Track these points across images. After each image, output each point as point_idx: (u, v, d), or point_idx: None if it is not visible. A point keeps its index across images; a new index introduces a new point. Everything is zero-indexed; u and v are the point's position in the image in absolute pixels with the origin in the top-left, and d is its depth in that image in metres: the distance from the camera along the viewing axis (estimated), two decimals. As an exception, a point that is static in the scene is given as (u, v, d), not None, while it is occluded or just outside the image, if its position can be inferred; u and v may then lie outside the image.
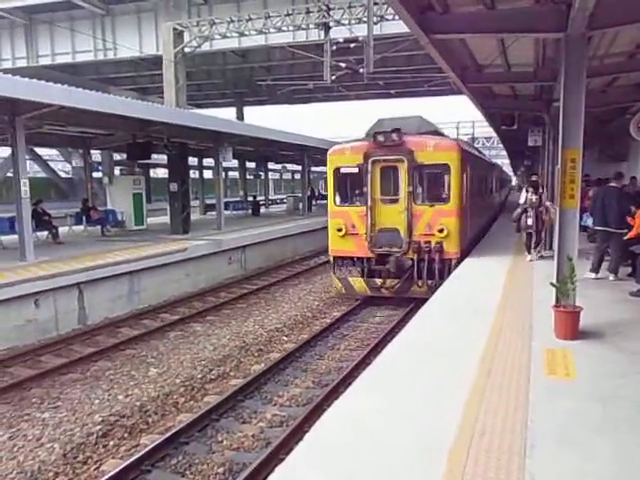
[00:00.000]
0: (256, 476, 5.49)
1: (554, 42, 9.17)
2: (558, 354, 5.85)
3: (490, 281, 10.14)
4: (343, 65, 21.63)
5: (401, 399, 4.86)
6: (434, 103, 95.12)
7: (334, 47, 21.66)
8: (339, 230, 12.50)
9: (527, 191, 12.38)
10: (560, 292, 6.43)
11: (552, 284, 6.60)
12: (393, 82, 33.05)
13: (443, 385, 5.12)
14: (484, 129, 49.62)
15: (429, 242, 11.74)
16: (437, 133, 13.30)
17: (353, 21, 22.65)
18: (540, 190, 12.34)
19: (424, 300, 8.89)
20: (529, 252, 12.30)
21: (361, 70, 20.99)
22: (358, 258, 12.68)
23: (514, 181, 64.04)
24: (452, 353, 6.06)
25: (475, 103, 14.83)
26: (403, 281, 12.04)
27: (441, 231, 11.66)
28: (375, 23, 21.48)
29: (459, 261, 11.88)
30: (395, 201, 12.16)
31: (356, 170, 12.31)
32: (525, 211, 12.23)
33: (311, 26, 23.50)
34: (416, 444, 4.00)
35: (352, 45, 21.19)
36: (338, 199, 12.92)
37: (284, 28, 24.05)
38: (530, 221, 12.08)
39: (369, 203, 12.19)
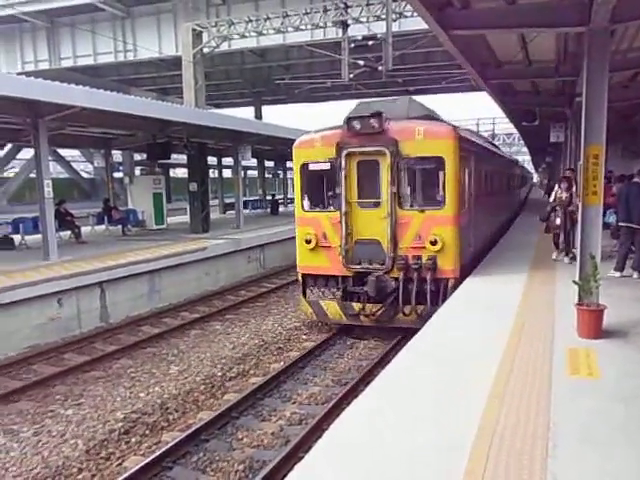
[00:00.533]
0: (275, 474, 5.51)
1: (576, 36, 9.04)
2: (581, 353, 5.76)
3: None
4: (361, 63, 21.55)
5: (419, 400, 4.83)
6: (453, 100, 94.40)
7: (352, 45, 21.58)
8: (307, 242, 10.11)
9: (559, 188, 11.13)
10: (583, 290, 6.32)
11: (575, 282, 6.50)
12: (412, 79, 32.88)
13: (463, 385, 5.07)
14: (505, 126, 49.15)
15: (419, 257, 9.39)
16: (431, 118, 10.47)
17: (371, 18, 22.58)
18: (573, 187, 10.93)
19: (415, 331, 7.00)
20: (557, 248, 11.42)
21: (379, 68, 20.91)
22: (332, 276, 10.23)
23: (535, 178, 63.24)
24: (472, 353, 6.00)
25: (495, 99, 14.69)
26: (386, 307, 9.64)
27: (434, 243, 9.28)
28: (393, 20, 21.38)
29: (458, 281, 9.47)
30: (376, 205, 9.75)
31: (327, 166, 9.92)
32: (554, 210, 11.10)
33: (329, 24, 23.49)
34: (436, 444, 3.97)
35: (370, 43, 21.09)
36: (307, 203, 10.45)
37: (302, 27, 24.06)
38: (559, 220, 10.93)
39: (343, 208, 9.75)
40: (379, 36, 21.00)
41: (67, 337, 10.89)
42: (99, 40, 28.91)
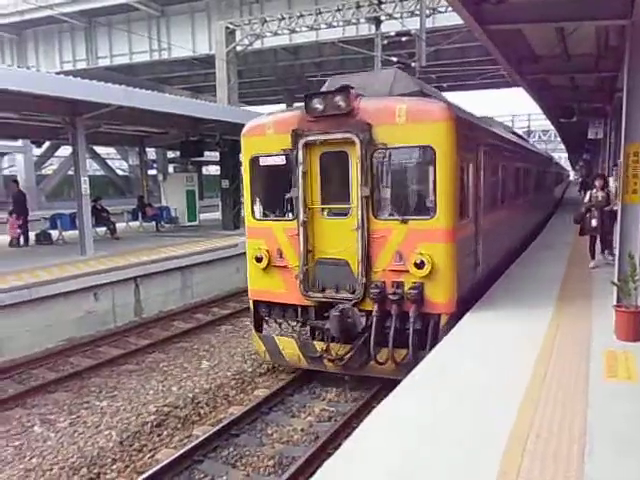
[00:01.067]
0: (305, 469, 5.52)
1: (617, 30, 8.76)
2: (619, 356, 5.59)
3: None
4: (394, 59, 21.41)
5: (451, 400, 4.76)
6: (488, 96, 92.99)
7: (385, 41, 21.47)
8: (258, 260, 7.89)
9: (594, 187, 10.16)
10: (621, 291, 6.15)
11: (613, 283, 6.32)
12: (445, 75, 32.45)
13: (496, 387, 4.99)
14: (541, 122, 48.18)
15: (399, 284, 7.07)
16: (424, 95, 7.84)
17: (405, 14, 22.37)
18: (609, 186, 10.11)
19: (396, 382, 5.29)
20: (593, 258, 10.40)
21: (413, 64, 20.72)
22: (290, 306, 7.97)
23: (572, 176, 61.86)
24: (506, 354, 5.90)
25: (532, 95, 14.40)
26: (356, 350, 7.31)
27: (420, 265, 6.90)
28: (427, 16, 21.16)
29: (455, 317, 7.08)
30: (345, 213, 7.44)
31: (283, 161, 7.65)
32: (589, 210, 9.97)
33: (362, 20, 23.38)
34: (468, 445, 3.91)
35: (403, 39, 20.96)
36: (258, 209, 8.23)
37: (334, 23, 24.01)
38: (594, 222, 9.83)
39: (301, 216, 7.47)
40: (412, 32, 20.83)
41: (102, 330, 11.13)
42: (135, 39, 29.47)
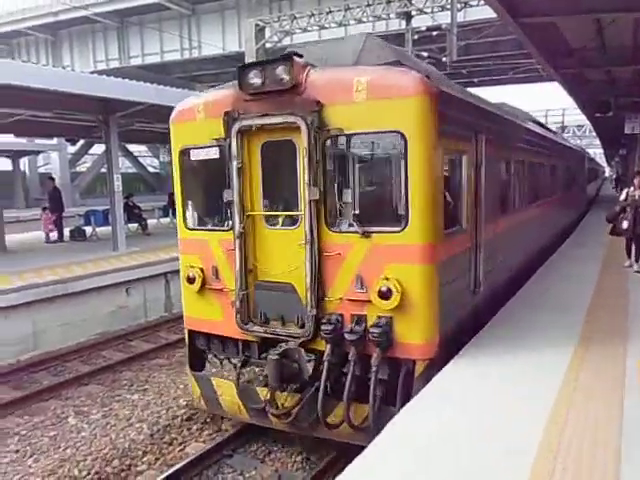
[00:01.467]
0: (333, 467, 5.51)
1: (657, 20, 8.48)
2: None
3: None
4: (425, 54, 21.17)
5: (482, 406, 4.68)
6: (520, 91, 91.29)
7: (415, 36, 21.25)
8: (190, 280, 6.36)
9: (632, 184, 9.45)
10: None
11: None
12: (476, 70, 32.01)
13: (527, 394, 4.85)
14: (576, 117, 47.10)
15: (361, 319, 5.41)
16: (400, 65, 5.72)
17: (436, 9, 22.08)
18: None
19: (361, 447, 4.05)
20: (629, 256, 9.79)
21: (444, 59, 20.47)
22: (229, 339, 6.34)
23: (607, 172, 60.38)
24: (537, 359, 5.75)
25: (566, 89, 14.07)
26: (304, 404, 5.63)
27: (386, 295, 5.20)
28: (459, 10, 20.84)
29: (438, 362, 5.42)
30: (293, 222, 5.86)
31: (217, 154, 6.05)
32: (624, 210, 9.32)
33: (392, 16, 23.17)
34: (498, 452, 3.84)
35: (434, 33, 20.70)
36: (191, 215, 6.60)
37: (364, 19, 23.87)
38: (625, 224, 9.21)
39: (237, 226, 5.87)
40: (443, 26, 20.56)
41: (133, 325, 11.32)
42: (166, 38, 29.86)
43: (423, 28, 21.53)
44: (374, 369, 5.20)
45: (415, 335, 5.28)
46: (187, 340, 6.75)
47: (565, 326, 6.56)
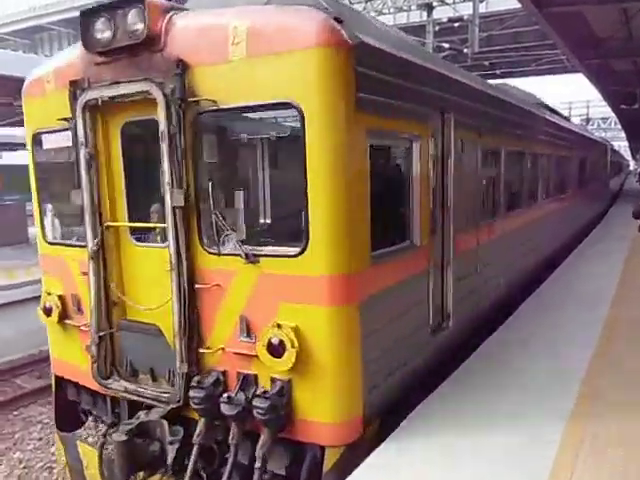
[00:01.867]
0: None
1: (687, 9, 8.26)
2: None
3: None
4: (446, 46, 20.95)
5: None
6: (543, 82, 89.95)
7: (437, 28, 21.02)
8: (46, 312, 4.95)
9: None
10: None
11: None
12: (499, 62, 31.56)
13: (539, 410, 4.79)
14: (600, 109, 46.30)
15: (247, 378, 3.93)
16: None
17: (457, 0, 21.82)
18: None
19: None
20: None
21: (465, 50, 20.22)
22: (97, 392, 4.90)
23: (632, 165, 59.28)
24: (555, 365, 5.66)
25: (591, 81, 13.80)
26: None
27: (277, 351, 3.66)
28: (481, 0, 20.57)
29: (359, 450, 3.89)
30: (162, 238, 4.43)
31: (69, 140, 4.50)
32: None
33: (413, 7, 22.97)
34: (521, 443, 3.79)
35: (456, 25, 20.45)
36: (50, 224, 5.19)
37: (385, 10, 23.70)
38: None
39: (90, 242, 4.43)
40: (465, 18, 20.30)
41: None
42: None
43: (445, 19, 21.27)
44: (259, 458, 3.67)
45: (323, 410, 3.67)
46: (54, 389, 5.26)
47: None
